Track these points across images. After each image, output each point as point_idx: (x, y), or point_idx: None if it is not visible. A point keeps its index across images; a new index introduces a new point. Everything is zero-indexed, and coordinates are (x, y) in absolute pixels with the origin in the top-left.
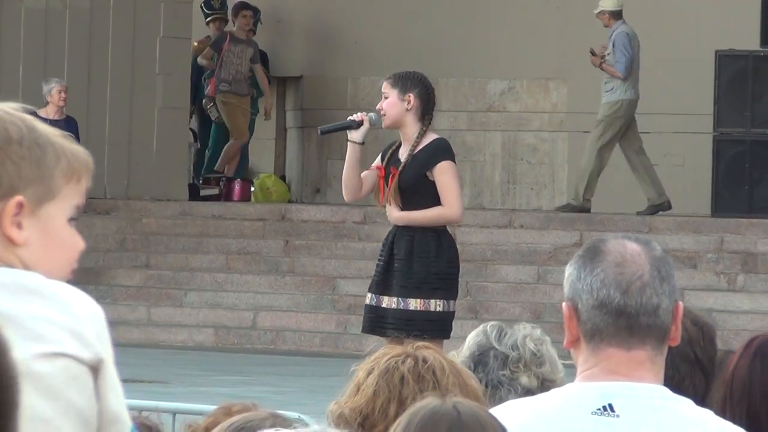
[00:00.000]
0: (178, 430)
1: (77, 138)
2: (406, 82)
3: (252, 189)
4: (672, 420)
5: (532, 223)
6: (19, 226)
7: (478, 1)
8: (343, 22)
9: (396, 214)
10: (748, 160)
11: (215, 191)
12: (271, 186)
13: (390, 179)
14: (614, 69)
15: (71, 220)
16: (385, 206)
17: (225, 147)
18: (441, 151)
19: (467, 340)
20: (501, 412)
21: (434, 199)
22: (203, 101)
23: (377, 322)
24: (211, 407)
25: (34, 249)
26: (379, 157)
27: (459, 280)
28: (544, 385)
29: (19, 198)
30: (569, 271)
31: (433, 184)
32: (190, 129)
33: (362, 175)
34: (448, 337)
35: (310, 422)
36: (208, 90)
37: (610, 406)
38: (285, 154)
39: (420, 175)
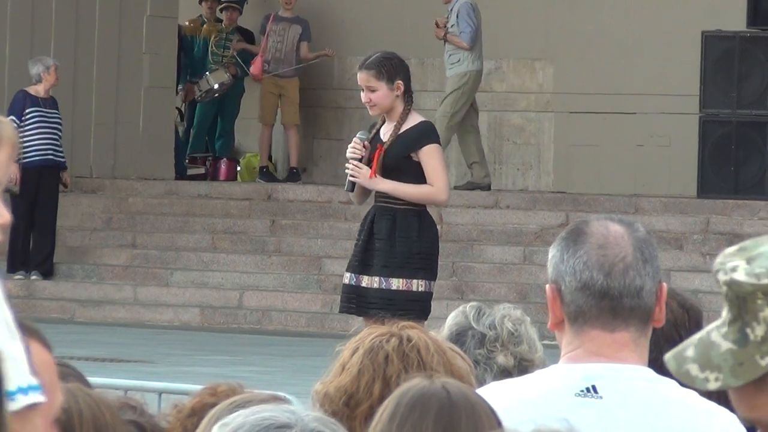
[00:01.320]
0: (164, 410)
1: (58, 116)
2: (391, 69)
3: (238, 169)
4: (656, 401)
5: (518, 204)
6: None
7: None
8: (329, 3)
9: (383, 185)
10: (734, 141)
11: (201, 170)
12: (257, 165)
13: (375, 156)
14: (459, 39)
15: None
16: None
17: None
18: (427, 133)
19: (447, 320)
20: (483, 394)
21: (415, 179)
22: (188, 80)
23: (357, 302)
24: (197, 387)
25: None
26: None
27: (439, 260)
28: (522, 364)
29: None
30: (552, 252)
31: (415, 164)
32: (177, 108)
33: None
34: (427, 317)
35: (295, 402)
36: (254, 71)
37: (594, 387)
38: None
39: (405, 154)
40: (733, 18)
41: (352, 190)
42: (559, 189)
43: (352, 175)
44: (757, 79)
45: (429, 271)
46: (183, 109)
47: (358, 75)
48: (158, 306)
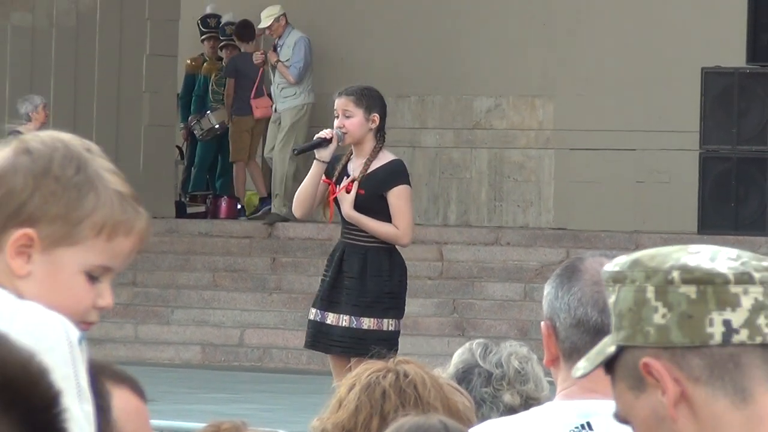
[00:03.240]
0: None
1: None
2: (370, 101)
3: (239, 206)
4: None
5: (518, 241)
6: (27, 258)
7: (465, 18)
8: (329, 39)
9: (351, 213)
10: (735, 177)
11: (202, 208)
12: (257, 203)
13: (350, 184)
14: (287, 72)
15: (93, 278)
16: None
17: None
18: (398, 174)
19: (454, 357)
20: (481, 431)
21: (385, 218)
22: (189, 119)
23: (320, 339)
24: (198, 425)
25: (34, 286)
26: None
27: (438, 297)
28: (528, 403)
29: (27, 230)
30: (547, 289)
31: (386, 203)
32: (177, 146)
33: None
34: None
35: None
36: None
37: (588, 424)
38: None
39: (376, 194)
40: (733, 54)
41: (298, 153)
42: (559, 225)
43: (324, 138)
44: (757, 115)
45: (398, 310)
46: (184, 148)
47: (336, 101)
48: (159, 344)
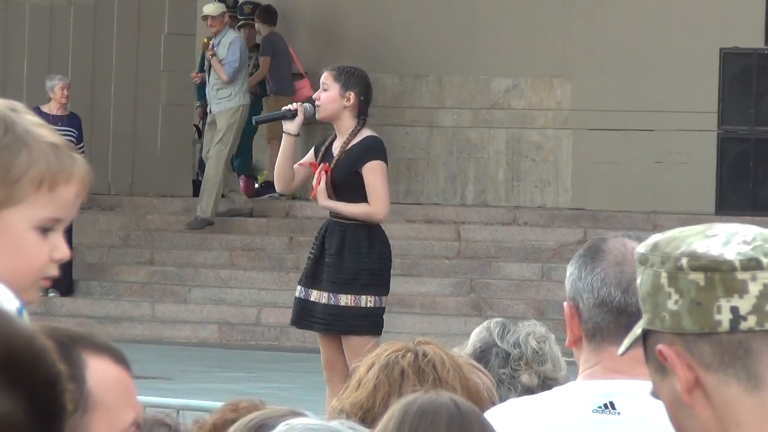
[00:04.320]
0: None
1: (80, 134)
2: (349, 78)
3: (255, 185)
4: None
5: (536, 221)
6: None
7: None
8: (346, 20)
9: (325, 202)
10: (753, 158)
11: None
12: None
13: (319, 176)
14: (221, 69)
15: (45, 231)
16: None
17: None
18: (372, 150)
19: (471, 336)
20: (502, 411)
21: (365, 196)
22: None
23: (305, 316)
24: (215, 404)
25: None
26: (312, 151)
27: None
28: (545, 383)
29: None
30: (570, 270)
31: (363, 180)
32: (194, 125)
33: (294, 167)
34: (380, 333)
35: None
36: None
37: (611, 403)
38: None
39: (351, 171)
40: (751, 35)
41: (257, 123)
42: (577, 206)
43: (290, 109)
44: None
45: (379, 287)
46: (201, 126)
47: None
48: (176, 323)
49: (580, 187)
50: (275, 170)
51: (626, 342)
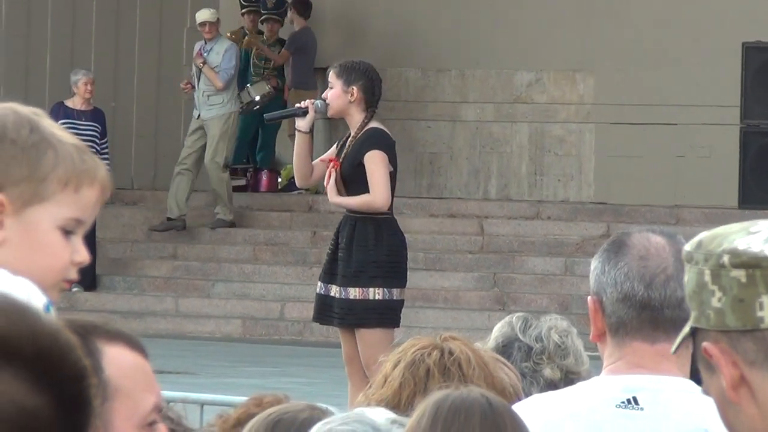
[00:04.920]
0: (205, 421)
1: (103, 129)
2: (350, 73)
3: (279, 180)
4: (696, 413)
5: (559, 215)
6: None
7: None
8: (370, 13)
9: (333, 199)
10: None
11: (243, 182)
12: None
13: (330, 172)
14: (215, 76)
15: (68, 232)
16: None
17: None
18: (371, 139)
19: (494, 331)
20: (526, 406)
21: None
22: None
23: (325, 312)
24: (238, 398)
25: (10, 252)
26: (334, 146)
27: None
28: (568, 377)
29: None
30: (594, 264)
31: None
32: None
33: (314, 162)
34: (396, 325)
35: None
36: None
37: (635, 399)
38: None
39: (355, 163)
40: None
41: (268, 121)
42: (600, 200)
43: (300, 107)
44: None
45: (389, 279)
46: None
47: None
48: (200, 317)
49: (602, 181)
50: (294, 168)
51: (677, 341)
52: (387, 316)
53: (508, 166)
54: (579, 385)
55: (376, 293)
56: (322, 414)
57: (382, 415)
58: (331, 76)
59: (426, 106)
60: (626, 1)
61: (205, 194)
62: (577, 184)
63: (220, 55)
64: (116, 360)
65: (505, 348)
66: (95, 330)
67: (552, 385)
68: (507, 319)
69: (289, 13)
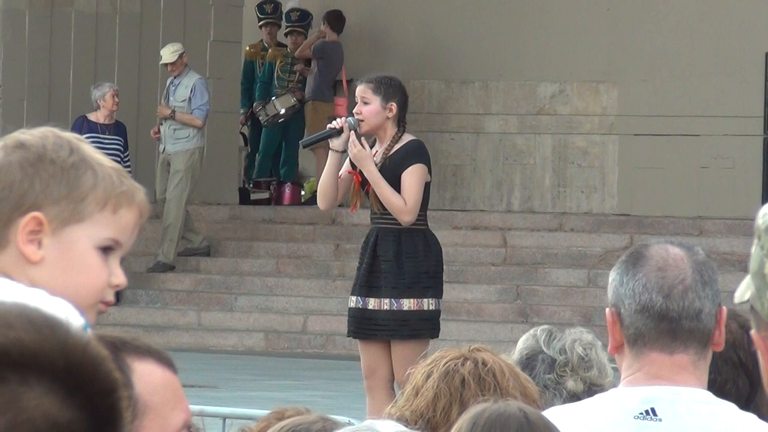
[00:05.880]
0: None
1: (125, 142)
2: (388, 89)
3: (302, 192)
4: (715, 424)
5: (582, 227)
6: (38, 244)
7: (529, 4)
8: (393, 26)
9: (372, 169)
10: None
11: (266, 195)
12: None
13: (367, 185)
14: (191, 117)
15: (106, 250)
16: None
17: None
18: (413, 153)
19: (518, 343)
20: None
21: None
22: (254, 105)
23: (365, 325)
24: (261, 412)
25: (49, 270)
26: (348, 161)
27: (509, 284)
28: (591, 389)
29: (36, 213)
30: (612, 276)
31: None
32: (240, 133)
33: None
34: (437, 335)
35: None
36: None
37: (653, 410)
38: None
39: (396, 176)
40: None
41: (305, 146)
42: (623, 211)
43: (334, 127)
44: None
45: (437, 290)
46: (246, 134)
47: (357, 87)
48: (222, 331)
49: (626, 192)
50: (319, 186)
51: (738, 293)
52: (437, 326)
53: (532, 178)
54: (597, 397)
55: (429, 304)
56: (334, 425)
57: (391, 427)
58: (365, 92)
59: (449, 118)
60: (649, 12)
61: (226, 207)
62: (600, 196)
63: (188, 89)
64: (146, 376)
65: (529, 360)
66: (124, 346)
67: (575, 397)
68: (532, 331)
69: (321, 27)
